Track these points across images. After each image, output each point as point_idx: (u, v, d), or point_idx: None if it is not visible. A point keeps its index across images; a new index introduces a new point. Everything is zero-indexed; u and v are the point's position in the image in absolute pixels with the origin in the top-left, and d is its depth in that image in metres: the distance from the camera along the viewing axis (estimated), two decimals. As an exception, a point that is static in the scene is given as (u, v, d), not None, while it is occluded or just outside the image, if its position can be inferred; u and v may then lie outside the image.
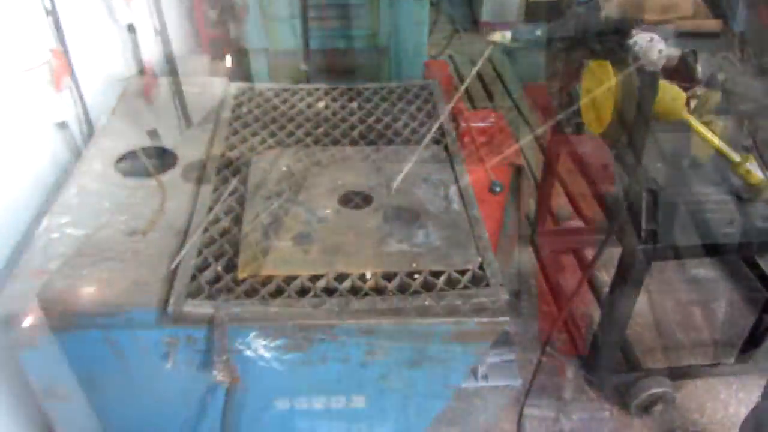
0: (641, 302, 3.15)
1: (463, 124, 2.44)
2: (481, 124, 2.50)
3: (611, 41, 2.33)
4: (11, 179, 2.02)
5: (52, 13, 2.26)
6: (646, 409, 2.62)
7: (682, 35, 2.36)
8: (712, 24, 2.56)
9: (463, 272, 1.66)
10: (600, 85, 2.21)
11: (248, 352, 1.58)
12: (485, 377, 2.81)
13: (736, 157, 2.14)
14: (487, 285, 1.62)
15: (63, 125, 2.17)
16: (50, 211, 1.77)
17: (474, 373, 2.83)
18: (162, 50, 3.23)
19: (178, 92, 2.18)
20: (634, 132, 2.18)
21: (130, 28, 2.87)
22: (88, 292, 1.53)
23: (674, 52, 2.23)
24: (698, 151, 2.28)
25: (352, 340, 1.59)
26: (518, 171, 2.49)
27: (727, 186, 2.23)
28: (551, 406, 2.77)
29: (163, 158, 2.02)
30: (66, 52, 2.33)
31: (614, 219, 2.31)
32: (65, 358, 1.59)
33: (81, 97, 2.40)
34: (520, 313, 3.00)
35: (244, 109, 2.33)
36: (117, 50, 2.89)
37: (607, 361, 2.59)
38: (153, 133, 2.05)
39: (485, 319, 1.58)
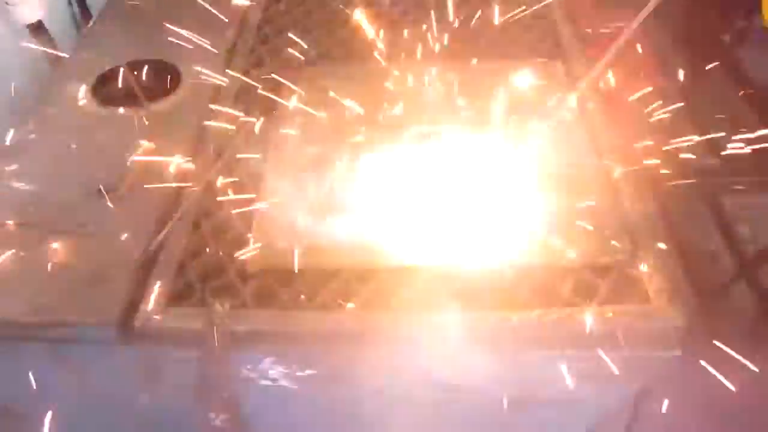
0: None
1: (587, 30, 1.73)
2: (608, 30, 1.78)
3: None
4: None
5: None
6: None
7: None
8: None
9: (601, 271, 1.03)
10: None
11: (262, 381, 1.04)
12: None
13: None
14: (646, 297, 0.99)
15: (37, 28, 1.60)
16: (-4, 154, 1.24)
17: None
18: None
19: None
20: None
21: None
22: (20, 289, 1.01)
23: None
24: None
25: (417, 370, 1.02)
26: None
27: None
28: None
29: (163, 78, 1.44)
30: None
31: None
32: (9, 374, 1.09)
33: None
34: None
35: (282, 7, 1.70)
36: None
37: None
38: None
39: (639, 354, 0.97)
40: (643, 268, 1.02)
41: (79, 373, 1.06)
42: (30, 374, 1.07)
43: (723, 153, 1.37)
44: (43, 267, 1.04)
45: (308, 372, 1.02)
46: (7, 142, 1.26)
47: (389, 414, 1.08)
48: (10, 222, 1.11)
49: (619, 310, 0.97)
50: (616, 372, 0.96)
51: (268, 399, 1.05)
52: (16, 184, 1.18)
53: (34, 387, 1.11)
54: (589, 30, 1.63)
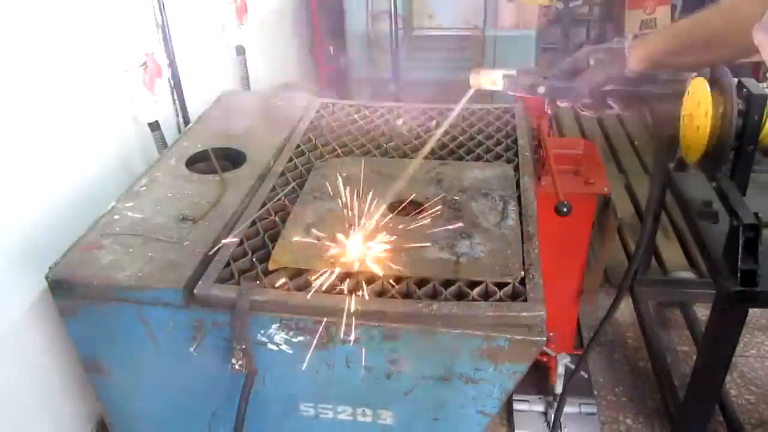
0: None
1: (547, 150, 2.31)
2: (566, 151, 2.35)
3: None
4: (100, 165, 2.19)
5: (162, 28, 2.47)
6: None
7: None
8: None
9: (502, 285, 1.53)
10: (698, 107, 2.00)
11: (269, 345, 1.55)
12: (560, 427, 2.57)
13: None
14: (525, 300, 1.48)
15: (155, 125, 2.32)
16: (119, 197, 1.88)
17: (548, 422, 2.60)
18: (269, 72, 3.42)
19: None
20: (736, 161, 1.95)
21: (239, 50, 3.06)
22: (127, 267, 1.59)
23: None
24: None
25: (374, 345, 1.51)
26: (605, 203, 2.30)
27: None
28: None
29: (233, 158, 2.09)
30: (172, 64, 2.52)
31: (710, 259, 2.04)
32: (104, 332, 1.65)
33: (182, 103, 2.57)
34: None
35: (323, 122, 2.38)
36: (227, 68, 3.10)
37: (698, 424, 2.26)
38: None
39: (518, 337, 1.44)
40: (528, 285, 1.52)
41: (153, 331, 1.60)
42: (119, 334, 1.63)
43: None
44: (143, 258, 1.62)
45: (300, 338, 1.53)
46: (129, 191, 1.91)
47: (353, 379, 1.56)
48: (126, 233, 1.72)
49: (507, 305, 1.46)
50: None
51: (272, 353, 1.55)
52: (131, 213, 1.80)
53: (121, 344, 1.66)
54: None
